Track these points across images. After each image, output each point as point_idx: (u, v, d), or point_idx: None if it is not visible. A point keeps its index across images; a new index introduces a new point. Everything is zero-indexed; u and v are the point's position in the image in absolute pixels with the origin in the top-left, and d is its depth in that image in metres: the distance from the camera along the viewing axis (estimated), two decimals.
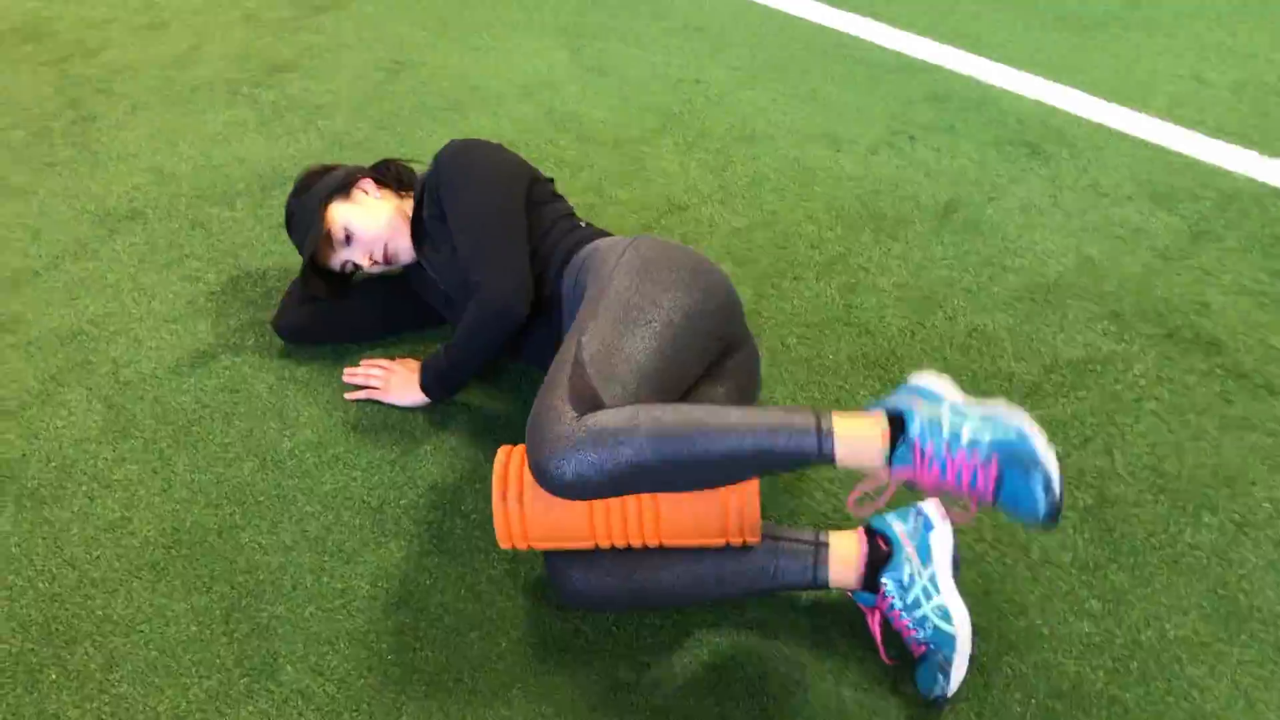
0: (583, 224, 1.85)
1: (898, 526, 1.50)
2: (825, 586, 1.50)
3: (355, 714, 1.45)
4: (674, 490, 1.38)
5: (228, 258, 2.25)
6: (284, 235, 2.32)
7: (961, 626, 1.43)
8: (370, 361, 1.97)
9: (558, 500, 1.42)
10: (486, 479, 1.77)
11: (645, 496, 1.40)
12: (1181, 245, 2.27)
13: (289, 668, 1.51)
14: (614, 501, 1.41)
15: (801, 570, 1.49)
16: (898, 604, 1.45)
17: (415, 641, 1.54)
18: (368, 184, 1.98)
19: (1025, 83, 2.88)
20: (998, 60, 2.99)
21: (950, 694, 1.43)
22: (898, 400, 1.38)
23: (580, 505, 1.42)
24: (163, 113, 2.75)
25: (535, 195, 1.85)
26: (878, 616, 1.48)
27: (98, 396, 1.92)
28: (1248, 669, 1.49)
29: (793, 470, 1.40)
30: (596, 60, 2.99)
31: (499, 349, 1.74)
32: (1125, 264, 2.22)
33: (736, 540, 1.43)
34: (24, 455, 1.81)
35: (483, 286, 1.71)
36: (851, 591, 1.51)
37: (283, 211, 2.18)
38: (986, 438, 1.30)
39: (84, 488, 1.76)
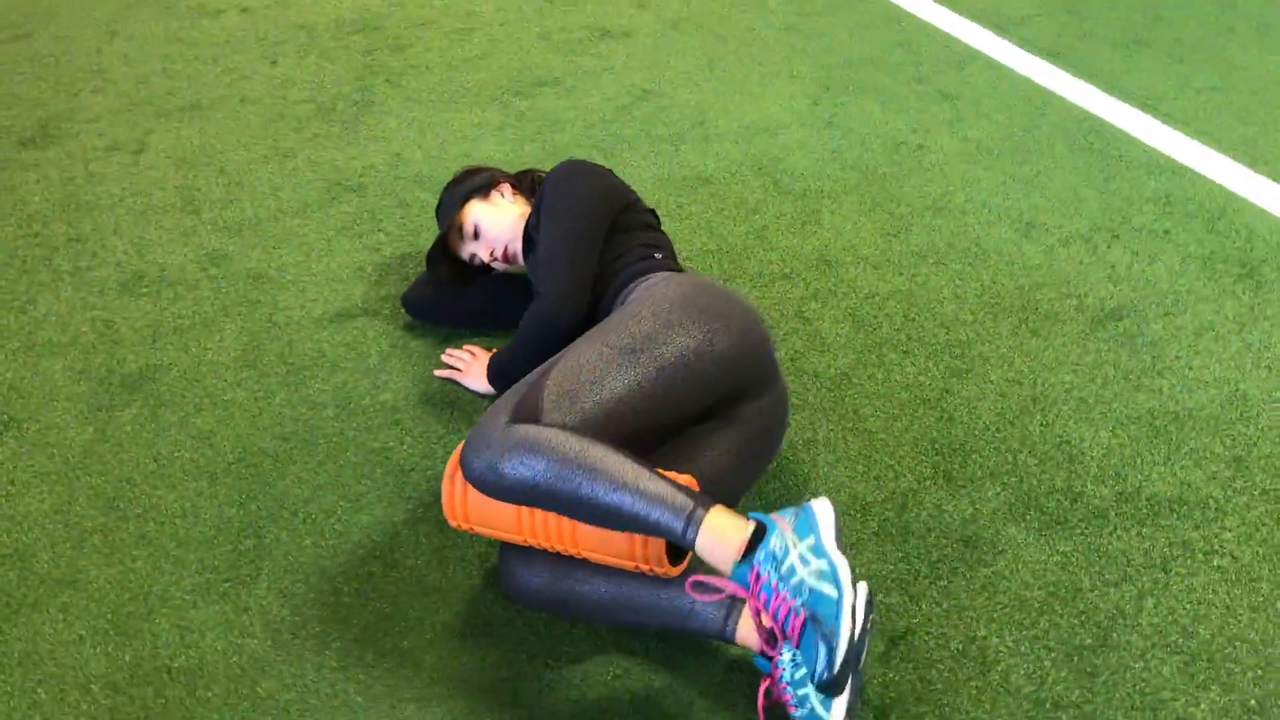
0: (658, 256, 1.92)
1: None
2: (732, 641, 1.49)
3: (294, 638, 1.62)
4: (570, 516, 1.45)
5: (409, 237, 2.52)
6: None
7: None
8: (468, 346, 2.14)
9: None
10: None
11: None
12: None
13: (264, 585, 1.70)
14: None
15: (713, 619, 1.49)
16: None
17: (373, 591, 1.69)
18: (505, 188, 2.16)
19: None
20: (1265, 174, 2.70)
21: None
22: (779, 517, 1.40)
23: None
24: (429, 107, 3.09)
25: (622, 222, 1.95)
26: (766, 683, 1.45)
27: (247, 331, 2.23)
28: None
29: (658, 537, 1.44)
30: (831, 113, 3.01)
31: (545, 353, 1.85)
32: None
33: (645, 567, 1.46)
34: (168, 364, 2.15)
35: (540, 293, 1.84)
36: (754, 655, 1.49)
37: None
38: (809, 587, 1.31)
39: (196, 401, 2.06)
